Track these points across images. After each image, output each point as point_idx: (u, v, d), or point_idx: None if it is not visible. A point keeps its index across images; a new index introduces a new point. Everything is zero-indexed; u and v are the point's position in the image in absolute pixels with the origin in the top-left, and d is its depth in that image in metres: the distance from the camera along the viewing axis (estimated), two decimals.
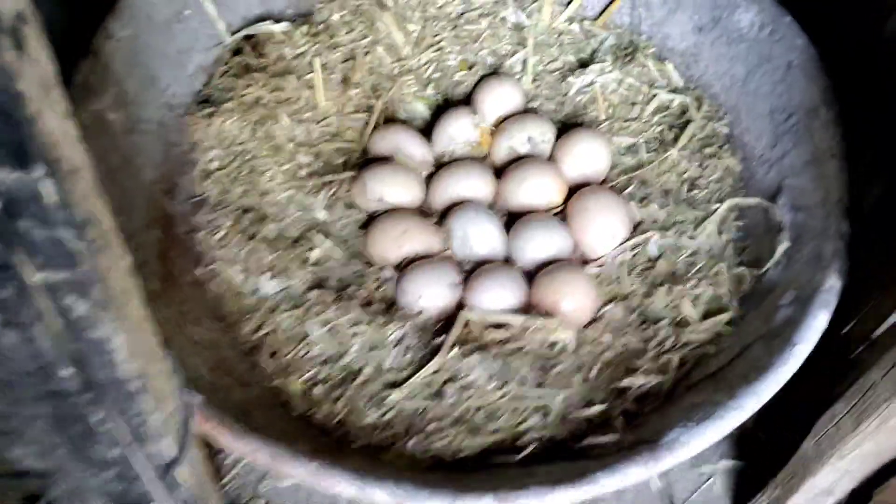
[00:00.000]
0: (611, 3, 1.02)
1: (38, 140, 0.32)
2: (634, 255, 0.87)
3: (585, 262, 0.89)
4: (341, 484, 0.61)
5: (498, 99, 0.98)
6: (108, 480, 0.56)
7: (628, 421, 0.73)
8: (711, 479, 0.88)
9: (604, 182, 0.95)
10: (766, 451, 0.89)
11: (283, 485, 0.86)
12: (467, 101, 1.01)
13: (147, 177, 0.83)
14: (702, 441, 0.64)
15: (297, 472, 0.61)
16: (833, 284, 0.72)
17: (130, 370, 0.46)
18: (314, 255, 0.85)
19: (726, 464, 0.89)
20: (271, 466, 0.62)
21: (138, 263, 0.74)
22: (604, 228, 0.87)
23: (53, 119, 0.34)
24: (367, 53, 0.98)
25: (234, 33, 0.96)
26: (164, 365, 0.53)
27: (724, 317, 0.79)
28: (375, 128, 0.95)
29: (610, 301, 0.84)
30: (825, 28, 0.90)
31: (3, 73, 0.30)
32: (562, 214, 0.91)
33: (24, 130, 0.31)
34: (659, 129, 0.96)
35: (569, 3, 1.03)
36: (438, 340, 0.79)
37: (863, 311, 0.83)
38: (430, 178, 0.94)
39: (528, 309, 0.83)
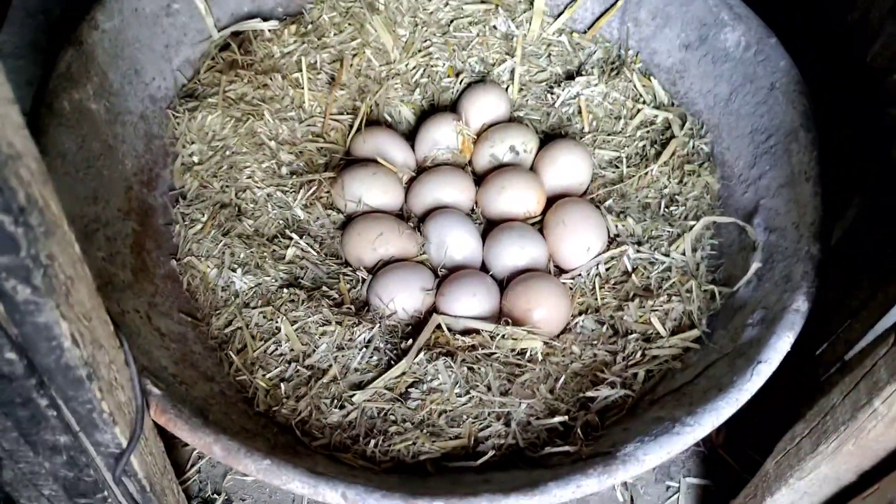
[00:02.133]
0: (600, 16, 1.02)
1: None
2: (609, 269, 0.87)
3: (560, 272, 0.89)
4: (293, 482, 0.61)
5: (483, 107, 0.99)
6: (59, 466, 0.56)
7: (589, 432, 0.73)
8: (676, 494, 0.88)
9: (584, 194, 0.95)
10: (730, 470, 0.89)
11: (246, 480, 0.86)
12: (453, 107, 1.02)
13: (127, 167, 0.84)
14: (657, 456, 0.64)
15: (250, 469, 0.61)
16: (800, 306, 0.72)
17: (77, 357, 0.46)
18: (289, 253, 0.85)
19: (691, 481, 0.89)
20: (225, 461, 0.62)
21: (111, 253, 0.75)
22: (580, 241, 0.87)
23: None
24: (355, 55, 0.99)
25: (222, 29, 0.96)
26: (118, 354, 0.54)
27: (693, 333, 0.79)
28: (359, 130, 0.96)
29: (582, 312, 0.84)
30: (809, 50, 0.91)
31: None
32: (539, 224, 0.92)
33: None
34: (641, 143, 0.96)
35: (559, 15, 1.03)
36: (407, 344, 0.79)
37: (834, 334, 0.83)
38: (411, 182, 0.95)
39: (499, 316, 0.83)
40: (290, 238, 0.86)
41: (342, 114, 0.98)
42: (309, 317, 0.80)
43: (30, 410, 0.49)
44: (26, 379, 0.46)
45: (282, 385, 0.76)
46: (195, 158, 0.89)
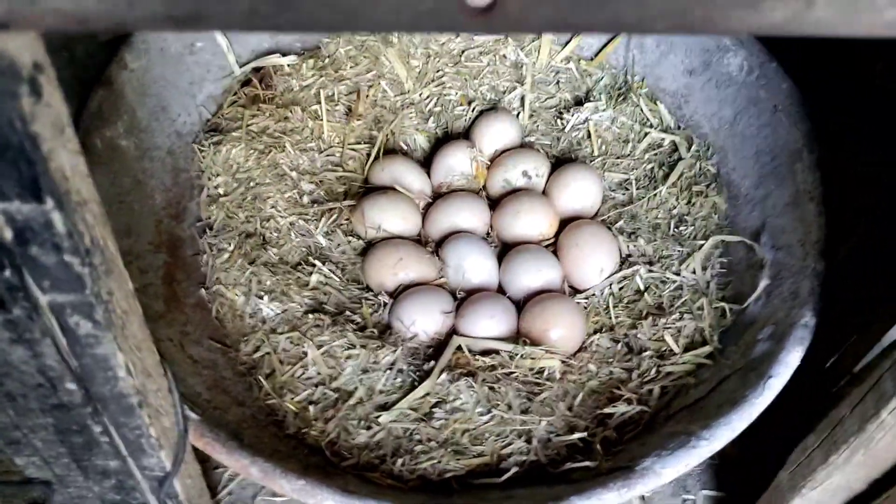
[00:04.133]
0: (606, 44, 1.06)
1: (50, 176, 0.36)
2: (622, 288, 0.90)
3: (574, 292, 0.92)
4: (327, 502, 0.64)
5: (495, 133, 1.02)
6: (107, 490, 0.59)
7: (608, 448, 0.75)
8: None
9: (595, 216, 0.98)
10: (745, 482, 0.91)
11: (276, 502, 0.89)
12: (466, 134, 1.05)
13: (156, 201, 0.87)
14: (675, 469, 0.66)
15: (286, 489, 0.64)
16: (808, 321, 0.74)
17: (130, 386, 0.49)
18: (313, 279, 0.88)
19: (707, 493, 0.91)
20: (262, 482, 0.65)
21: (144, 285, 0.79)
22: (593, 261, 0.90)
23: (65, 156, 0.37)
24: (370, 87, 1.02)
25: (243, 65, 1.00)
26: (163, 382, 0.57)
27: (705, 350, 0.82)
28: (376, 158, 0.99)
29: (597, 331, 0.87)
30: (813, 73, 0.94)
31: (20, 117, 0.33)
32: (553, 246, 0.95)
33: (37, 167, 0.35)
34: (650, 166, 0.99)
35: (566, 44, 1.07)
36: (429, 365, 0.82)
37: (843, 347, 0.86)
38: (427, 208, 0.98)
39: (517, 337, 0.86)
40: (314, 265, 0.89)
41: (359, 143, 1.01)
42: (334, 341, 0.82)
43: (84, 437, 0.52)
44: (83, 407, 0.49)
45: (310, 408, 0.79)
46: (221, 190, 0.93)
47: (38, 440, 0.53)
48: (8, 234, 0.37)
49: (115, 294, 0.44)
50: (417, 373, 0.82)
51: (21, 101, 0.33)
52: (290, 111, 0.98)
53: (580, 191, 0.97)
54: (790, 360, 0.72)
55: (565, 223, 0.96)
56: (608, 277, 0.90)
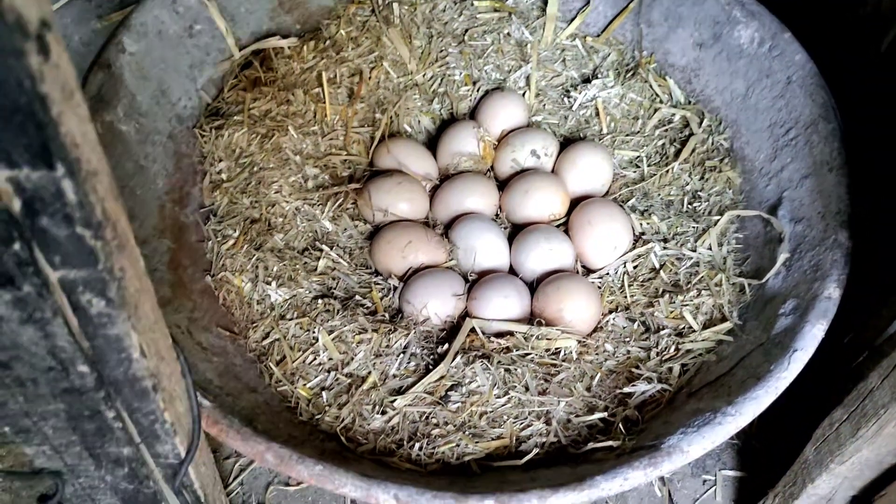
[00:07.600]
0: (613, 19, 1.04)
1: (60, 141, 0.34)
2: (636, 266, 0.88)
3: (588, 272, 0.90)
4: (347, 486, 0.62)
5: (502, 113, 1.00)
6: (120, 479, 0.57)
7: (629, 427, 0.74)
8: (713, 488, 0.89)
9: (606, 195, 0.96)
10: (765, 461, 0.90)
11: (289, 491, 0.87)
12: (472, 115, 1.03)
13: (159, 186, 0.85)
14: (701, 447, 0.65)
15: (303, 475, 0.62)
16: (832, 294, 0.73)
17: (144, 368, 0.47)
18: (321, 264, 0.87)
19: (727, 473, 0.90)
20: (278, 468, 0.63)
21: (149, 270, 0.76)
22: (606, 240, 0.88)
23: (75, 122, 0.35)
24: (373, 68, 1.00)
25: (243, 48, 0.97)
26: (175, 366, 0.55)
27: (725, 326, 0.80)
28: (381, 141, 0.97)
29: (612, 311, 0.85)
30: (824, 42, 0.92)
31: (29, 76, 0.31)
32: (564, 226, 0.93)
33: (47, 131, 0.33)
34: (661, 142, 0.97)
35: (572, 20, 1.05)
36: (443, 348, 0.80)
37: (864, 320, 0.84)
38: (434, 191, 0.96)
39: (531, 318, 0.84)
40: (321, 250, 0.87)
41: (363, 126, 0.99)
42: (345, 326, 0.81)
43: (96, 423, 0.50)
44: (96, 391, 0.47)
45: (323, 394, 0.77)
46: (223, 175, 0.91)
47: (48, 427, 0.51)
48: (16, 205, 0.35)
49: (128, 271, 0.42)
50: (431, 356, 0.80)
51: (29, 60, 0.31)
52: (292, 94, 0.96)
53: (590, 169, 0.95)
54: (815, 332, 0.70)
55: (576, 203, 0.94)
56: (622, 256, 0.88)
